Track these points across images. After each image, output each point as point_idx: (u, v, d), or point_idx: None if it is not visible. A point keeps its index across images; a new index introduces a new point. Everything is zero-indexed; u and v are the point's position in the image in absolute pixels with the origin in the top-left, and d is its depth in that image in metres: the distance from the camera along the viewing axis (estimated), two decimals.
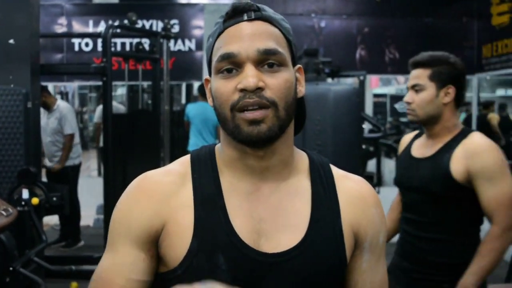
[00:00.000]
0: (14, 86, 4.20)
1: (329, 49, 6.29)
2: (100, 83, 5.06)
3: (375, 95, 13.18)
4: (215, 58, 1.02)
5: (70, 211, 4.50)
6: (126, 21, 5.44)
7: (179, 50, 7.60)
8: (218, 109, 1.03)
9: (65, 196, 4.12)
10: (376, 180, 8.41)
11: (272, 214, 1.04)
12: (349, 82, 8.17)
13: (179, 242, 1.01)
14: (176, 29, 7.40)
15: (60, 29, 7.20)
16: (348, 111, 4.06)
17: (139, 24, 6.83)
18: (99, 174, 8.19)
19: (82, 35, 6.88)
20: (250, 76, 0.97)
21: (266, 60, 1.00)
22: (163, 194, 1.05)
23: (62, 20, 7.25)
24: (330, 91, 4.03)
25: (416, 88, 2.19)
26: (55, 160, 5.67)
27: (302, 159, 1.12)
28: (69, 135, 5.63)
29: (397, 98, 13.98)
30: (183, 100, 9.31)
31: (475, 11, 6.70)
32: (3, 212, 3.49)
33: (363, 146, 7.79)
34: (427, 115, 2.16)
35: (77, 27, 7.37)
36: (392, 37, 6.63)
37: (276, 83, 0.99)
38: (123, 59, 5.54)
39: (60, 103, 5.72)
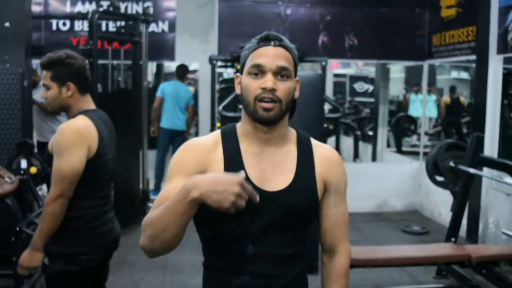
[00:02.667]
0: (10, 65, 4.59)
1: (294, 35, 6.79)
2: None
3: (335, 75, 13.66)
4: (249, 64, 1.60)
5: None
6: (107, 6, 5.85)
7: (153, 32, 7.98)
8: (245, 97, 1.61)
9: None
10: None
11: (271, 167, 1.65)
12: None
13: None
14: (151, 11, 7.76)
15: (38, 8, 7.45)
16: (312, 94, 4.61)
17: None
18: None
19: (71, 17, 7.12)
20: (269, 81, 1.56)
21: (280, 73, 1.58)
22: (204, 150, 1.64)
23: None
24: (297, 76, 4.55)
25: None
26: (45, 137, 5.98)
27: (292, 134, 1.73)
28: None
29: (356, 78, 14.51)
30: (150, 79, 9.67)
31: (427, 3, 7.24)
32: (8, 180, 3.94)
33: (325, 125, 8.39)
34: (58, 107, 2.63)
35: (55, 6, 7.63)
36: (351, 25, 7.16)
37: (284, 88, 1.59)
38: (107, 41, 5.93)
39: None
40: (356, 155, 9.15)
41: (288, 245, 1.64)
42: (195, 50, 7.93)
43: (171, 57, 7.88)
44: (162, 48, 7.89)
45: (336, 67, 13.23)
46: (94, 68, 5.14)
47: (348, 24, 7.14)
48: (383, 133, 9.18)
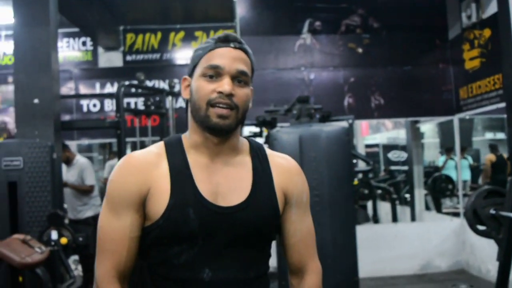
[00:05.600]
0: (39, 140, 4.70)
1: (319, 98, 6.83)
2: (109, 140, 5.47)
3: (368, 146, 13.59)
4: (203, 65, 1.45)
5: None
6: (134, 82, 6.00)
7: (181, 107, 8.15)
8: (196, 101, 1.44)
9: (90, 236, 4.53)
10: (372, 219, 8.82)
11: (225, 180, 1.47)
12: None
13: (160, 201, 1.41)
14: (177, 87, 7.97)
15: (69, 92, 7.74)
16: (339, 148, 4.54)
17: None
18: None
19: (98, 95, 7.38)
20: (227, 85, 1.41)
21: (239, 77, 1.44)
22: (147, 167, 1.44)
23: (71, 84, 7.82)
24: (322, 131, 4.52)
25: None
26: (77, 213, 5.98)
27: (245, 144, 1.57)
28: (91, 185, 5.93)
29: (389, 147, 14.39)
30: None
31: (450, 58, 7.27)
32: (38, 250, 3.93)
33: (360, 190, 8.24)
34: None
35: (85, 89, 7.93)
36: (376, 85, 7.18)
37: (241, 94, 1.44)
38: (134, 114, 6.04)
39: (79, 158, 6.02)
40: (394, 218, 8.92)
41: (250, 267, 1.46)
42: None
43: None
44: None
45: (366, 133, 13.17)
46: (121, 141, 5.20)
47: (373, 84, 7.16)
48: (420, 194, 8.96)
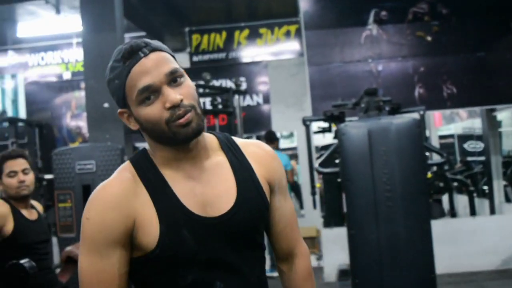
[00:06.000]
0: (110, 143, 4.80)
1: (388, 90, 6.63)
2: None
3: (441, 137, 13.13)
4: (132, 94, 1.30)
5: None
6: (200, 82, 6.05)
7: (248, 105, 8.17)
8: (152, 128, 1.31)
9: None
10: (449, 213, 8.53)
11: (208, 188, 1.37)
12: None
13: (151, 230, 1.28)
14: (243, 86, 7.99)
15: None
16: (410, 140, 4.39)
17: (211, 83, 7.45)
18: None
19: None
20: (172, 95, 1.28)
21: (173, 78, 1.30)
22: (127, 198, 1.30)
23: None
24: (392, 124, 4.38)
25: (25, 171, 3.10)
26: None
27: (212, 140, 1.46)
28: None
29: (465, 137, 13.84)
30: None
31: None
32: None
33: (435, 182, 7.97)
34: None
35: None
36: (447, 73, 6.90)
37: (186, 92, 1.31)
38: None
39: None
40: (472, 212, 8.57)
41: (256, 265, 1.42)
42: (291, 119, 7.98)
43: (268, 128, 7.95)
44: (258, 120, 8.05)
45: (439, 124, 12.75)
46: None
47: (444, 72, 6.89)
48: (499, 185, 8.57)
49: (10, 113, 8.73)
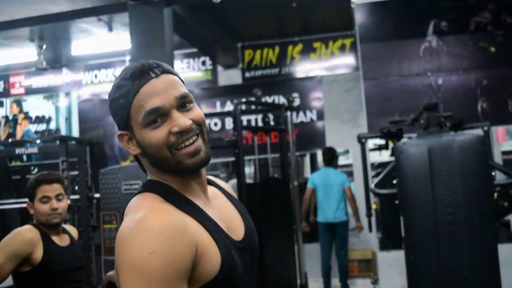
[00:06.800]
0: None
1: (449, 105, 6.28)
2: (228, 159, 5.31)
3: (504, 152, 12.54)
4: (139, 115, 1.23)
5: None
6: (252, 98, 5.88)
7: (301, 122, 7.95)
8: (155, 153, 1.24)
9: None
10: None
11: (224, 214, 1.35)
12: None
13: (213, 255, 1.20)
14: (297, 102, 7.79)
15: None
16: (475, 159, 4.08)
17: (263, 100, 7.28)
18: None
19: (214, 114, 7.43)
20: (181, 119, 1.22)
21: (183, 103, 1.25)
22: (185, 225, 1.18)
23: None
24: (455, 142, 4.08)
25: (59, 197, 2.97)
26: None
27: None
28: None
29: None
30: (308, 171, 9.48)
31: None
32: None
33: (499, 202, 7.51)
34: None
35: (206, 109, 7.97)
36: None
37: (195, 116, 1.26)
38: (252, 132, 5.91)
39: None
40: None
41: None
42: (346, 136, 7.72)
43: (322, 146, 7.70)
44: (312, 137, 7.83)
45: (503, 139, 12.17)
46: (240, 159, 5.06)
47: (509, 85, 6.46)
48: None
49: (63, 131, 8.80)
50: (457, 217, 3.98)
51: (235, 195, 1.53)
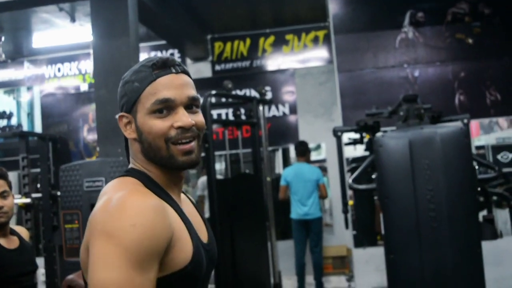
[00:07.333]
0: (123, 158, 4.39)
1: (426, 97, 6.07)
2: (202, 154, 5.10)
3: (478, 147, 12.56)
4: (148, 101, 1.28)
5: None
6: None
7: (274, 116, 7.72)
8: (151, 141, 1.29)
9: None
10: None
11: (193, 219, 1.36)
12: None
13: (186, 245, 1.25)
14: (269, 95, 7.55)
15: None
16: (458, 152, 3.90)
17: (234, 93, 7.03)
18: None
19: None
20: (186, 117, 1.28)
21: (191, 104, 1.31)
22: (165, 208, 1.23)
23: None
24: (437, 134, 3.90)
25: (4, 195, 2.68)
26: None
27: None
28: None
29: (498, 148, 13.25)
30: (280, 166, 9.27)
31: None
32: None
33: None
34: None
35: None
36: (490, 79, 6.35)
37: (199, 120, 1.32)
38: (223, 125, 5.66)
39: None
40: None
41: None
42: (320, 130, 7.53)
43: (295, 140, 7.49)
44: (285, 131, 7.63)
45: (477, 134, 12.17)
46: (210, 154, 4.80)
47: (487, 78, 6.33)
48: None
49: (25, 127, 8.42)
50: (439, 213, 3.81)
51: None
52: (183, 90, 1.30)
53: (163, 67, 1.30)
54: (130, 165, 1.39)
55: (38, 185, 6.60)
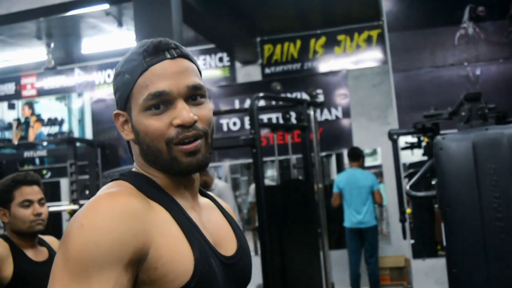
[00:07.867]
0: None
1: (488, 97, 5.65)
2: (248, 160, 4.94)
3: None
4: (140, 95, 1.07)
5: None
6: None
7: (326, 120, 7.46)
8: (150, 143, 1.09)
9: None
10: None
11: (214, 226, 1.19)
12: None
13: (183, 256, 1.03)
14: (320, 98, 7.29)
15: None
16: None
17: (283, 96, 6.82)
18: (256, 253, 8.05)
19: (229, 112, 7.07)
20: (186, 112, 1.06)
21: (193, 94, 1.09)
22: (143, 212, 1.01)
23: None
24: (504, 136, 3.55)
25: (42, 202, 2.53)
26: None
27: None
28: None
29: None
30: (334, 173, 8.98)
31: None
32: None
33: None
34: None
35: (224, 107, 7.54)
36: None
37: (204, 114, 1.10)
38: (271, 130, 5.43)
39: (218, 182, 5.83)
40: None
41: None
42: (375, 134, 7.21)
43: (349, 145, 7.20)
44: (338, 136, 7.37)
45: None
46: (258, 159, 4.58)
47: None
48: None
49: (76, 133, 8.47)
50: (508, 224, 3.46)
51: (235, 217, 1.35)
52: (180, 79, 1.08)
53: (155, 53, 1.09)
54: (132, 169, 1.21)
55: (87, 192, 6.60)
